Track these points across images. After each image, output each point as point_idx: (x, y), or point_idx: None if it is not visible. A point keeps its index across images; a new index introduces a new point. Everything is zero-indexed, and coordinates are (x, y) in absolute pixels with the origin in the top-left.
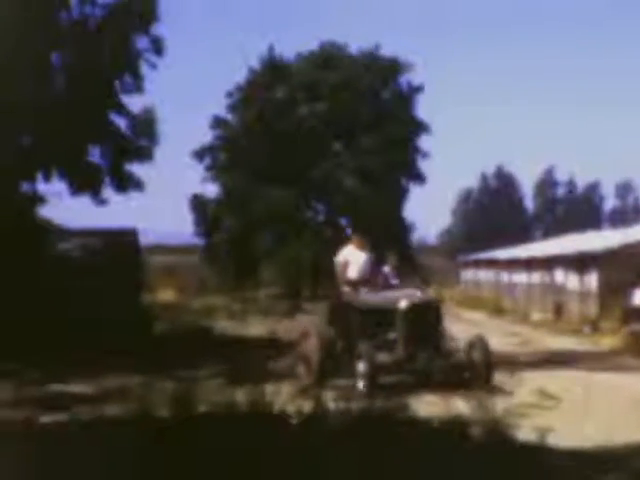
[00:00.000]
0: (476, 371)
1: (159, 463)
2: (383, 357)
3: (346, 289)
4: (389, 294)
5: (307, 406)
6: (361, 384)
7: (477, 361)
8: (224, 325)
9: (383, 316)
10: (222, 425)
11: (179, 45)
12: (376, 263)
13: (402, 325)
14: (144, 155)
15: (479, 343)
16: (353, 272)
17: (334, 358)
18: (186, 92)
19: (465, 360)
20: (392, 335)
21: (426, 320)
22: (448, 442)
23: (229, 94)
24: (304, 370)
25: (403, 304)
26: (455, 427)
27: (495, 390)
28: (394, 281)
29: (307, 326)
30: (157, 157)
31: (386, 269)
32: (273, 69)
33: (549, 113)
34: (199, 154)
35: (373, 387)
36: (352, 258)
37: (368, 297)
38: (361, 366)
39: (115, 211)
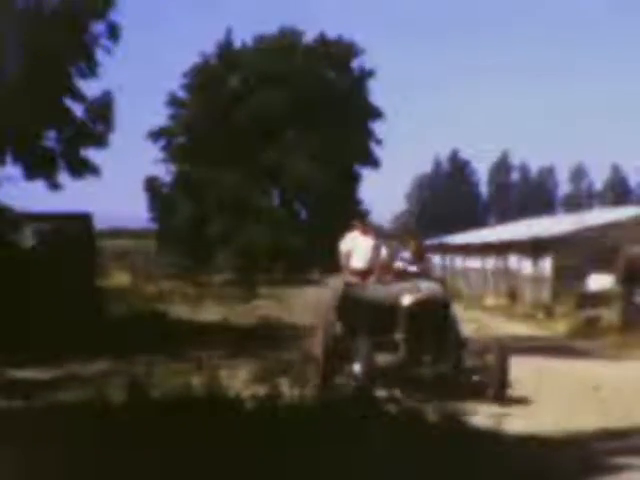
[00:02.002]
0: (489, 378)
1: (112, 448)
2: (384, 358)
3: (351, 279)
4: (395, 287)
5: (262, 391)
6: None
7: (491, 367)
8: (179, 310)
9: (388, 312)
10: (176, 409)
11: (139, 28)
12: (394, 248)
13: (404, 324)
14: (100, 140)
15: (496, 347)
16: (358, 261)
17: (340, 356)
18: (147, 75)
19: (478, 365)
20: (398, 335)
21: (433, 319)
22: (402, 430)
23: (185, 74)
24: (314, 368)
25: (406, 300)
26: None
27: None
28: (412, 268)
29: (316, 319)
30: (113, 141)
31: (405, 255)
32: (228, 55)
33: (505, 97)
34: (154, 135)
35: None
36: (356, 246)
37: (371, 290)
38: (356, 367)
39: (70, 196)
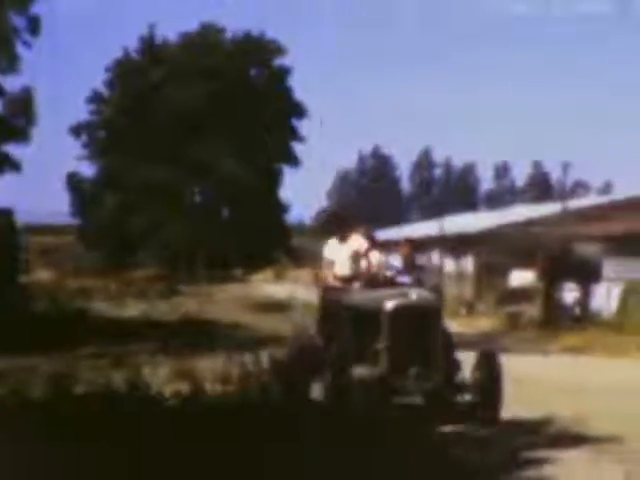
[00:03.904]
0: (480, 396)
1: (28, 443)
2: (361, 371)
3: (335, 283)
4: (379, 292)
5: (184, 388)
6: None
7: (482, 383)
8: (100, 306)
9: (370, 319)
10: (99, 405)
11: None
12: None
13: (387, 331)
14: (20, 135)
15: (487, 360)
16: (340, 269)
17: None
18: (73, 69)
19: (469, 380)
20: (380, 344)
21: (419, 327)
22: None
23: (108, 69)
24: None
25: (389, 305)
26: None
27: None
28: (403, 279)
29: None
30: (35, 136)
31: (395, 263)
32: (150, 50)
33: (428, 93)
34: (76, 130)
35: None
36: (335, 254)
37: (353, 295)
38: (326, 379)
39: None
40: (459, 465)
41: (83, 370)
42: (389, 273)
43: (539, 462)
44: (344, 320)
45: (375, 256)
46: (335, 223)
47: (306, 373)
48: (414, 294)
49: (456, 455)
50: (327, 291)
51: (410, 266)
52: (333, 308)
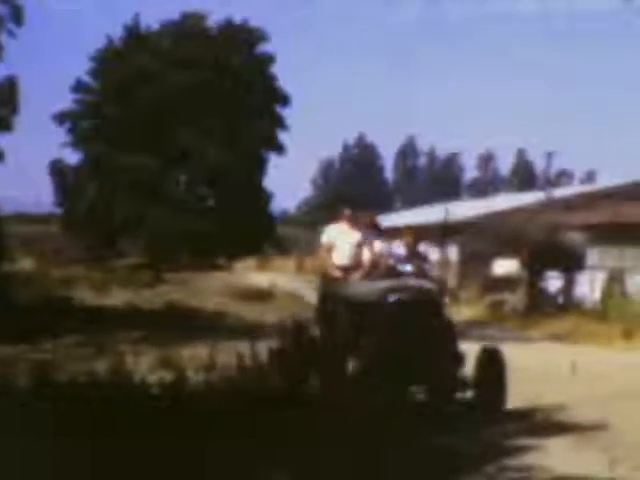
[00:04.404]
0: (482, 395)
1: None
2: (356, 364)
3: (336, 273)
4: (378, 284)
5: (168, 376)
6: None
7: (485, 382)
8: (84, 295)
9: (370, 312)
10: (82, 394)
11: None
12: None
13: (385, 325)
14: (3, 125)
15: (490, 357)
16: (340, 257)
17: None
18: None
19: (471, 378)
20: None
21: (418, 321)
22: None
23: (93, 58)
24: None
25: (388, 299)
26: None
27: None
28: (405, 267)
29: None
30: (18, 124)
31: (398, 250)
32: (135, 38)
33: (412, 82)
34: (60, 118)
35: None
36: (339, 239)
37: (351, 287)
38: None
39: None
40: (443, 453)
41: (67, 359)
42: (391, 261)
43: (523, 450)
44: (342, 312)
45: (378, 245)
46: (341, 209)
47: (301, 365)
48: (415, 286)
49: (441, 444)
50: (326, 281)
51: (413, 255)
52: (331, 299)
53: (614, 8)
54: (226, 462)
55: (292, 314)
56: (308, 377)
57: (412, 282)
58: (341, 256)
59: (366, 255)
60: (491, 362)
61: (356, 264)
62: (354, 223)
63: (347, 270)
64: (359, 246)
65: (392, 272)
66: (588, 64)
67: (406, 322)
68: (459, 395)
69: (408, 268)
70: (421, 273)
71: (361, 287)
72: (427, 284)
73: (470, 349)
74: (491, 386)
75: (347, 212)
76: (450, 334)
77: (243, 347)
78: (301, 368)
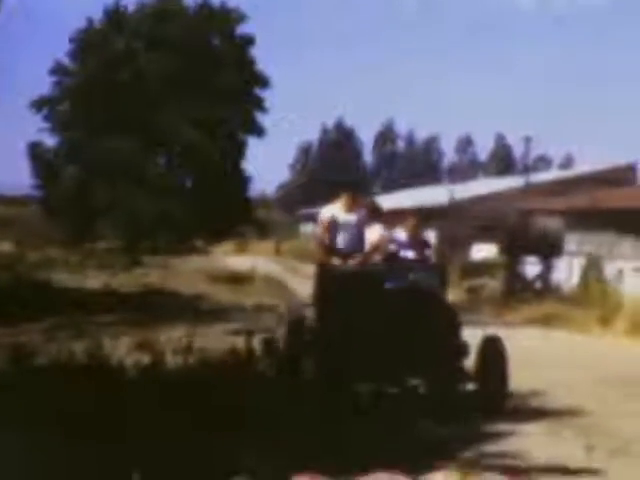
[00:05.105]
0: (484, 388)
1: None
2: (352, 356)
3: (334, 260)
4: (377, 272)
5: (145, 359)
6: None
7: (488, 374)
8: (62, 278)
9: (367, 301)
10: (59, 377)
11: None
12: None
13: (381, 315)
14: None
15: (491, 347)
16: (342, 241)
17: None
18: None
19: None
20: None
21: (416, 312)
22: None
23: (72, 40)
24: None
25: (385, 287)
26: None
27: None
28: (407, 253)
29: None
30: None
31: (400, 236)
32: (112, 20)
33: (391, 64)
34: (38, 104)
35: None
36: (340, 222)
37: (350, 273)
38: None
39: None
40: (423, 438)
41: (44, 341)
42: (392, 247)
43: (500, 436)
44: (338, 298)
45: (378, 229)
46: (346, 191)
47: (295, 352)
48: (414, 275)
49: (422, 428)
50: (324, 266)
51: (415, 241)
52: (328, 285)
53: None
54: (200, 446)
55: (287, 301)
56: (300, 367)
57: (411, 269)
58: (340, 241)
59: (367, 240)
60: (492, 352)
61: (355, 249)
62: (353, 206)
63: (346, 255)
64: (359, 231)
65: (393, 258)
66: (566, 50)
67: (403, 310)
68: (462, 387)
69: (410, 254)
70: (423, 260)
71: (358, 273)
72: (423, 274)
73: None
74: (492, 378)
75: (346, 195)
76: (452, 324)
77: (221, 330)
78: (294, 357)
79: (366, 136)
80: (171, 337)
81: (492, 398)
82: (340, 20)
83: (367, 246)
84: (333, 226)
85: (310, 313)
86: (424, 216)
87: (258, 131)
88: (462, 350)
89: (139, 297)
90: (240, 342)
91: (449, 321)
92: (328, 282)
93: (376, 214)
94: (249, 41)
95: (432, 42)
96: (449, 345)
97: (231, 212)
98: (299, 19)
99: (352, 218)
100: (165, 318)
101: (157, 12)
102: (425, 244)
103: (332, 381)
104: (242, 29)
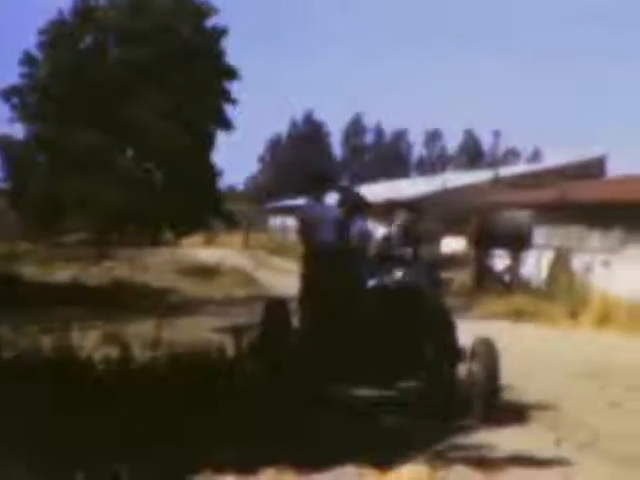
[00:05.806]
0: (475, 391)
1: None
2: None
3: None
4: (356, 268)
5: (114, 353)
6: None
7: (477, 378)
8: (30, 271)
9: (349, 300)
10: (27, 370)
11: None
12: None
13: (364, 314)
14: None
15: (483, 350)
16: (326, 233)
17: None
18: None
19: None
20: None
21: (399, 313)
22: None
23: (41, 31)
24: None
25: (367, 286)
26: None
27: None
28: (398, 249)
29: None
30: None
31: (391, 229)
32: (82, 12)
33: (360, 58)
34: (6, 94)
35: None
36: (323, 214)
37: (333, 269)
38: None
39: None
40: (390, 433)
41: (11, 335)
42: (382, 242)
43: (470, 429)
44: (322, 296)
45: (365, 223)
46: (322, 184)
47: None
48: (401, 272)
49: (388, 423)
50: (307, 262)
51: (407, 236)
52: (311, 281)
53: None
54: (170, 437)
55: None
56: (280, 363)
57: (394, 270)
58: (324, 232)
59: (352, 234)
60: (483, 355)
61: (341, 244)
62: (340, 200)
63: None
64: (343, 225)
65: (383, 254)
66: (533, 40)
67: (388, 311)
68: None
69: (401, 250)
70: (414, 256)
71: (342, 270)
72: (408, 273)
73: None
74: (486, 383)
75: (332, 188)
76: (443, 325)
77: (190, 324)
78: (274, 353)
79: (335, 129)
80: (140, 331)
81: (481, 402)
82: (311, 15)
83: (352, 241)
84: (312, 219)
85: (293, 307)
86: (392, 209)
87: (226, 124)
88: (455, 353)
89: (107, 291)
90: (211, 336)
91: (439, 323)
92: (311, 279)
93: (362, 207)
94: (221, 33)
95: (401, 37)
96: (439, 348)
97: (200, 204)
98: (273, 11)
99: (337, 212)
100: (133, 312)
101: (127, 3)
102: (418, 239)
103: (304, 381)
104: (215, 21)
